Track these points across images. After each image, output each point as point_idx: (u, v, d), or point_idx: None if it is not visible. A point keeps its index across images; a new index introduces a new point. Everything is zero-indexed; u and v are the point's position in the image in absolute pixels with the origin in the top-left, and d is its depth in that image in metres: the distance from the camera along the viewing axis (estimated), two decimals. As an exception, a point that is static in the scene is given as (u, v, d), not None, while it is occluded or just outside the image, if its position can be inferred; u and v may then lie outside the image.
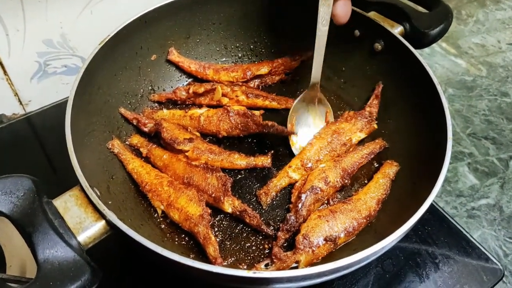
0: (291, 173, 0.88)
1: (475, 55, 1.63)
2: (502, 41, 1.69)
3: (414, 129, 0.89)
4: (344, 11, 0.81)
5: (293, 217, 0.78)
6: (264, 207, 0.87)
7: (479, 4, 1.83)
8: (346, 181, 0.86)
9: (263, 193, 0.87)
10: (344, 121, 0.95)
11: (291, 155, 0.93)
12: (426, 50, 0.98)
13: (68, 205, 0.66)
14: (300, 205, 0.79)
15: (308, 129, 0.97)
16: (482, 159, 1.32)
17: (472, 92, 1.50)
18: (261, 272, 0.58)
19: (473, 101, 1.48)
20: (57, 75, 1.19)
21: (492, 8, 1.82)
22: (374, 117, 0.96)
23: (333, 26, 0.84)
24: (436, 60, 1.59)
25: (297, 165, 0.89)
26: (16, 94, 1.15)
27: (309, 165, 0.88)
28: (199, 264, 0.58)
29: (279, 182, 0.87)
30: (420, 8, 1.00)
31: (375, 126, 0.96)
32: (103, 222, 0.65)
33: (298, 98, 0.96)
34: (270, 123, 0.92)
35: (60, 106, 1.15)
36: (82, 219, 0.65)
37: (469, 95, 1.49)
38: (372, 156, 0.91)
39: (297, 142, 0.96)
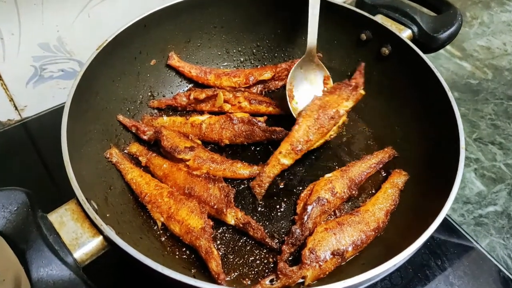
0: (282, 159, 0.85)
1: (480, 58, 1.61)
2: (508, 44, 1.67)
3: (423, 137, 0.86)
4: None
5: (298, 230, 0.75)
6: (259, 200, 0.85)
7: (483, 6, 1.81)
8: (354, 191, 0.83)
9: (257, 185, 0.85)
10: (328, 94, 0.89)
11: (296, 163, 0.91)
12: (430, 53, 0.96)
13: (64, 219, 0.63)
14: (306, 217, 0.77)
15: (308, 87, 0.98)
16: (489, 164, 1.30)
17: (477, 96, 1.48)
18: (267, 292, 0.55)
19: (479, 105, 1.46)
20: (53, 80, 1.16)
21: (497, 10, 1.79)
22: (360, 85, 0.92)
23: (338, 30, 0.82)
24: (440, 63, 1.57)
25: (287, 149, 0.85)
26: (11, 99, 1.12)
27: (299, 147, 0.84)
28: (201, 283, 0.55)
29: (271, 170, 0.85)
30: (428, 11, 0.97)
31: (362, 92, 0.91)
32: (100, 238, 0.63)
33: (295, 66, 0.95)
34: (278, 129, 0.90)
35: (57, 112, 1.13)
36: (78, 235, 0.63)
37: (474, 99, 1.47)
38: (381, 165, 0.89)
39: (297, 105, 0.95)
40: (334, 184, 0.81)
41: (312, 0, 0.81)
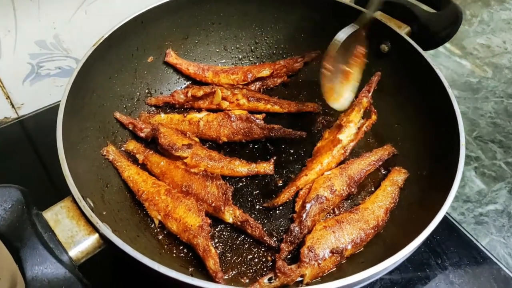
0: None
1: (480, 56, 1.61)
2: (508, 42, 1.66)
3: (423, 134, 0.85)
4: None
5: (297, 228, 0.74)
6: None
7: (483, 4, 1.80)
8: (353, 189, 0.82)
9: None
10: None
11: (295, 161, 0.90)
12: (430, 51, 0.95)
13: (59, 217, 0.62)
14: (304, 215, 0.76)
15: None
16: (489, 163, 1.29)
17: (477, 94, 1.47)
18: (265, 290, 0.54)
19: (478, 103, 1.45)
20: (50, 77, 1.15)
21: (497, 8, 1.79)
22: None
23: (337, 26, 0.81)
24: (440, 61, 1.56)
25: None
26: (8, 97, 1.11)
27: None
28: (198, 282, 0.55)
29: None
30: (428, 8, 0.97)
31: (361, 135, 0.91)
32: (96, 235, 0.62)
33: (345, 32, 0.84)
34: (276, 126, 0.89)
35: (53, 109, 1.11)
36: (74, 233, 0.62)
37: (474, 97, 1.46)
38: (381, 163, 0.88)
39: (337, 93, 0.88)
40: (333, 182, 0.80)
41: None
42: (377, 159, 0.87)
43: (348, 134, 0.90)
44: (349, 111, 0.93)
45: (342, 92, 0.88)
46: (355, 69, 0.88)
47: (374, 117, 0.94)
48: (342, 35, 0.84)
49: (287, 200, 0.85)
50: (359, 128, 0.91)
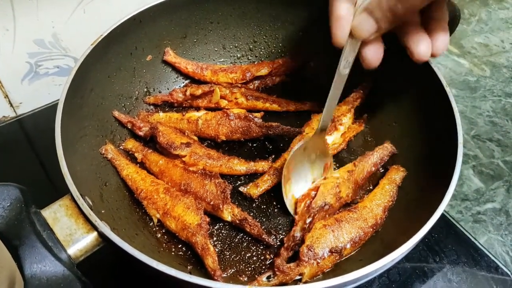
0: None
1: (478, 55, 1.61)
2: (506, 41, 1.66)
3: (421, 133, 0.85)
4: (376, 55, 0.68)
5: (299, 234, 0.73)
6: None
7: (481, 3, 1.80)
8: (358, 197, 0.83)
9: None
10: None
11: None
12: (428, 50, 0.95)
13: (57, 215, 0.62)
14: (308, 223, 0.74)
15: (304, 184, 0.83)
16: (487, 161, 1.30)
17: (475, 92, 1.48)
18: (264, 288, 0.54)
19: (477, 102, 1.46)
20: (49, 76, 1.15)
21: (495, 7, 1.79)
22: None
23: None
24: (438, 60, 1.57)
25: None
26: (6, 96, 1.11)
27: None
28: (196, 279, 0.55)
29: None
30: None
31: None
32: (95, 233, 0.62)
33: (299, 145, 0.79)
34: (275, 124, 0.89)
35: (52, 108, 1.10)
36: (72, 231, 0.62)
37: (472, 96, 1.47)
38: (382, 163, 0.88)
39: (290, 193, 0.82)
40: (340, 188, 0.79)
41: (339, 75, 0.67)
42: (379, 159, 0.87)
43: (335, 138, 0.91)
44: (341, 114, 0.93)
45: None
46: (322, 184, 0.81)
47: (361, 127, 0.95)
48: (292, 153, 0.80)
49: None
50: (344, 133, 0.92)
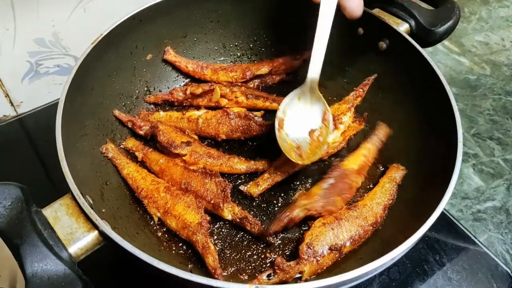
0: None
1: (478, 53, 1.61)
2: (506, 39, 1.66)
3: (421, 131, 0.85)
4: (355, 3, 0.69)
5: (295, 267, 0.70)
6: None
7: (482, 1, 1.80)
8: (358, 195, 0.85)
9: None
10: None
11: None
12: (429, 48, 0.95)
13: (58, 214, 0.62)
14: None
15: (301, 130, 0.84)
16: (487, 160, 1.30)
17: (476, 91, 1.48)
18: (264, 286, 0.54)
19: (477, 101, 1.46)
20: (49, 75, 1.15)
21: (495, 5, 1.79)
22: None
23: (334, 24, 0.80)
24: (439, 58, 1.56)
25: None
26: (7, 95, 1.11)
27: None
28: (197, 278, 0.54)
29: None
30: (426, 6, 0.97)
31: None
32: (95, 232, 0.62)
33: (291, 94, 0.81)
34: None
35: (53, 107, 1.10)
36: (73, 230, 0.62)
37: (473, 95, 1.47)
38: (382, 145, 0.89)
39: (287, 137, 0.83)
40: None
41: (321, 25, 0.68)
42: (375, 145, 0.89)
43: (335, 136, 0.90)
44: (341, 113, 0.93)
45: (308, 152, 0.84)
46: (323, 129, 0.83)
47: (361, 126, 0.96)
48: (285, 100, 0.83)
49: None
50: (345, 132, 0.92)
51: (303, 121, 0.85)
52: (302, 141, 0.84)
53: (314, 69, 0.78)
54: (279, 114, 0.84)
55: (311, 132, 0.84)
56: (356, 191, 0.84)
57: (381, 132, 0.90)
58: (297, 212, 0.76)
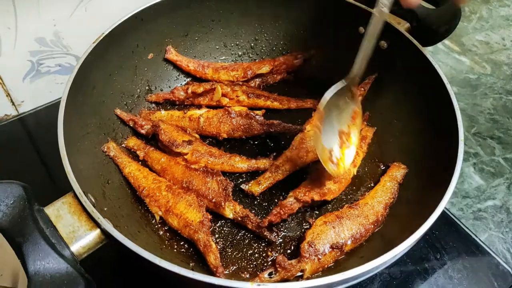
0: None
1: (479, 52, 1.60)
2: (507, 38, 1.66)
3: (422, 130, 0.86)
4: None
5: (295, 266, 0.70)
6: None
7: (482, 0, 1.80)
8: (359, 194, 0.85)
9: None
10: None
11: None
12: (429, 48, 0.95)
13: (60, 213, 0.63)
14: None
15: (332, 135, 0.80)
16: (488, 159, 1.30)
17: (476, 90, 1.48)
18: (266, 284, 0.55)
19: (477, 100, 1.45)
20: (50, 75, 1.15)
21: (496, 4, 1.79)
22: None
23: (336, 23, 0.80)
24: (439, 58, 1.56)
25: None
26: (8, 95, 1.11)
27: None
28: (199, 276, 0.55)
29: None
30: (427, 5, 0.97)
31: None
32: (98, 231, 0.62)
33: (331, 90, 0.77)
34: (276, 122, 0.89)
35: (54, 107, 1.12)
36: (75, 228, 0.62)
37: (473, 94, 1.46)
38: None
39: (333, 156, 0.80)
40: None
41: (375, 17, 0.67)
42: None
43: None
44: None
45: (340, 155, 0.81)
46: (353, 131, 0.82)
47: (370, 134, 0.94)
48: (329, 93, 0.78)
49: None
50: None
51: (334, 123, 0.82)
52: (332, 144, 0.81)
53: (360, 66, 0.77)
54: (316, 120, 0.79)
55: (340, 133, 0.81)
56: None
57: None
58: (290, 201, 0.77)
